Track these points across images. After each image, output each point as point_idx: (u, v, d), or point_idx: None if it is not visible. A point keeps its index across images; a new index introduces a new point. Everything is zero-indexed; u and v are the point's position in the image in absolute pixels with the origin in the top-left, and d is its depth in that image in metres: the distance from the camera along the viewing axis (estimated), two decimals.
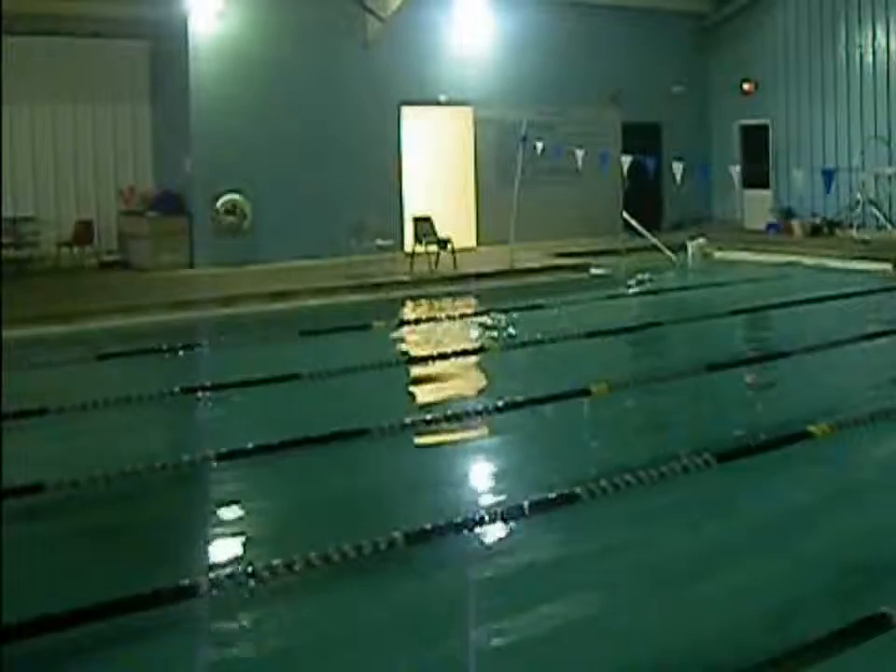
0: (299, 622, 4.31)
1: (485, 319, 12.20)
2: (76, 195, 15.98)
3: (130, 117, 16.38)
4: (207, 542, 5.27)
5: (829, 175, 13.88)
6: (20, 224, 15.23)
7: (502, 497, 5.69)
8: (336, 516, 5.45)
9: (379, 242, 14.76)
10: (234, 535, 5.36)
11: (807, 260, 15.85)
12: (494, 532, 5.12)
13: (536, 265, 15.34)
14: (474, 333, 11.36)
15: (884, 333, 9.93)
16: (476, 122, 17.96)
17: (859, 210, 18.15)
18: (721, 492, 5.75)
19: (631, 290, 14.31)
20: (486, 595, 4.43)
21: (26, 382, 8.68)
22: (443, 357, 9.55)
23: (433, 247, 14.85)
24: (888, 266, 13.98)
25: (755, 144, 20.18)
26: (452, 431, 7.10)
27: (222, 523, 5.59)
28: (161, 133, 16.43)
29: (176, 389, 8.19)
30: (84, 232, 15.54)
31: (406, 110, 17.08)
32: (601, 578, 4.65)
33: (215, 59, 15.34)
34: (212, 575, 4.54)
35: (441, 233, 15.11)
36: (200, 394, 8.31)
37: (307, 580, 4.51)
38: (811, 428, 6.33)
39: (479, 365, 9.65)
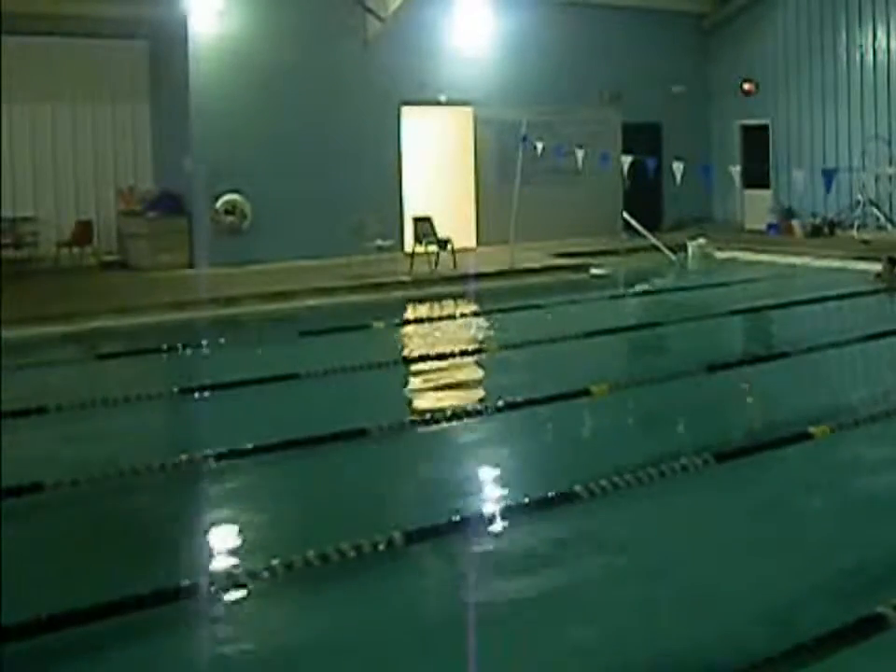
0: (298, 622, 4.31)
1: (485, 319, 12.20)
2: (75, 195, 15.98)
3: (129, 117, 16.38)
4: (206, 542, 5.27)
5: (829, 175, 13.87)
6: (19, 224, 15.25)
7: (501, 496, 5.69)
8: (335, 516, 5.44)
9: (379, 242, 14.77)
10: (233, 535, 5.36)
11: (808, 261, 15.85)
12: (493, 531, 5.11)
13: (536, 265, 15.33)
14: (474, 333, 11.36)
15: (882, 334, 9.90)
16: (476, 122, 17.95)
17: (859, 210, 18.15)
18: (719, 492, 5.75)
19: (631, 290, 14.31)
20: (485, 595, 4.43)
21: (26, 381, 8.69)
22: (443, 357, 9.55)
23: (433, 247, 14.84)
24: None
25: (755, 144, 20.17)
26: (451, 431, 7.10)
27: (221, 523, 5.59)
28: (161, 133, 16.44)
29: (175, 389, 8.20)
30: (84, 232, 15.54)
31: (406, 110, 17.07)
32: (599, 577, 4.65)
33: (215, 59, 15.33)
34: (211, 575, 4.54)
35: (441, 234, 15.10)
36: (199, 394, 8.30)
37: (307, 579, 4.51)
38: (811, 429, 6.32)
39: (478, 365, 9.65)
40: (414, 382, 9.07)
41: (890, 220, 17.88)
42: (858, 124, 18.43)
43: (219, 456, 6.23)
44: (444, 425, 7.16)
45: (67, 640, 3.98)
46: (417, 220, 15.28)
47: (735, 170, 16.29)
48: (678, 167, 14.94)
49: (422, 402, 8.29)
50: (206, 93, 15.30)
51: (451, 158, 18.03)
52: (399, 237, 16.12)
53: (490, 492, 5.97)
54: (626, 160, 15.58)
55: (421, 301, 13.17)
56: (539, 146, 15.86)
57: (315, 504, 5.72)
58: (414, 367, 9.45)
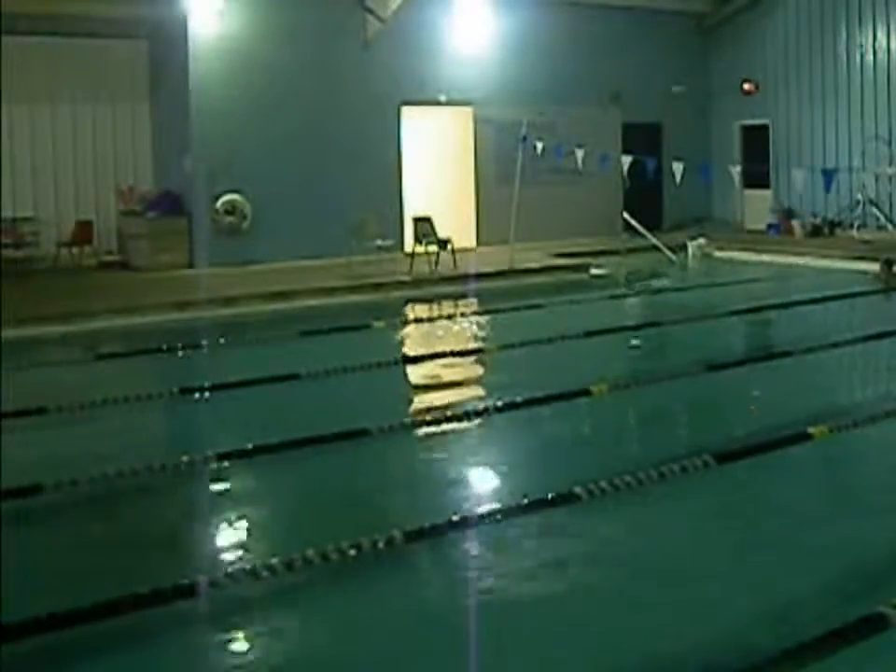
0: (298, 622, 4.31)
1: (485, 319, 12.20)
2: (75, 195, 15.99)
3: (129, 117, 16.38)
4: (206, 542, 5.27)
5: (829, 175, 13.86)
6: (19, 224, 15.26)
7: (501, 497, 5.69)
8: (336, 515, 5.44)
9: (379, 242, 14.77)
10: (233, 535, 5.36)
11: (808, 261, 15.84)
12: (493, 531, 5.11)
13: (536, 265, 15.33)
14: (474, 333, 11.36)
15: (879, 335, 9.90)
16: (476, 122, 17.96)
17: (859, 210, 18.16)
18: (719, 493, 5.75)
19: (631, 290, 14.29)
20: (484, 596, 4.43)
21: (26, 381, 8.69)
22: (443, 356, 9.55)
23: (433, 247, 14.84)
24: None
25: (755, 144, 20.18)
26: (451, 431, 7.10)
27: (221, 523, 5.58)
28: (161, 133, 16.44)
29: (175, 389, 8.19)
30: (84, 232, 15.55)
31: (406, 110, 17.08)
32: (599, 578, 4.65)
33: (215, 59, 15.33)
34: (211, 575, 4.54)
35: (441, 233, 15.11)
36: (199, 394, 8.30)
37: (307, 579, 4.51)
38: (810, 430, 6.32)
39: (478, 365, 9.64)
40: (415, 382, 9.07)
41: (890, 220, 17.88)
42: (858, 124, 18.43)
43: (220, 457, 6.23)
44: (445, 425, 7.16)
45: (67, 640, 3.98)
46: (417, 220, 15.28)
47: (735, 170, 16.29)
48: (678, 167, 14.93)
49: (422, 402, 8.28)
50: (206, 93, 15.30)
51: (451, 158, 18.04)
52: (399, 237, 16.13)
53: (490, 492, 5.97)
54: (626, 160, 15.57)
55: (421, 301, 13.16)
56: (539, 146, 15.87)
57: (316, 503, 5.72)
58: (415, 367, 9.45)
